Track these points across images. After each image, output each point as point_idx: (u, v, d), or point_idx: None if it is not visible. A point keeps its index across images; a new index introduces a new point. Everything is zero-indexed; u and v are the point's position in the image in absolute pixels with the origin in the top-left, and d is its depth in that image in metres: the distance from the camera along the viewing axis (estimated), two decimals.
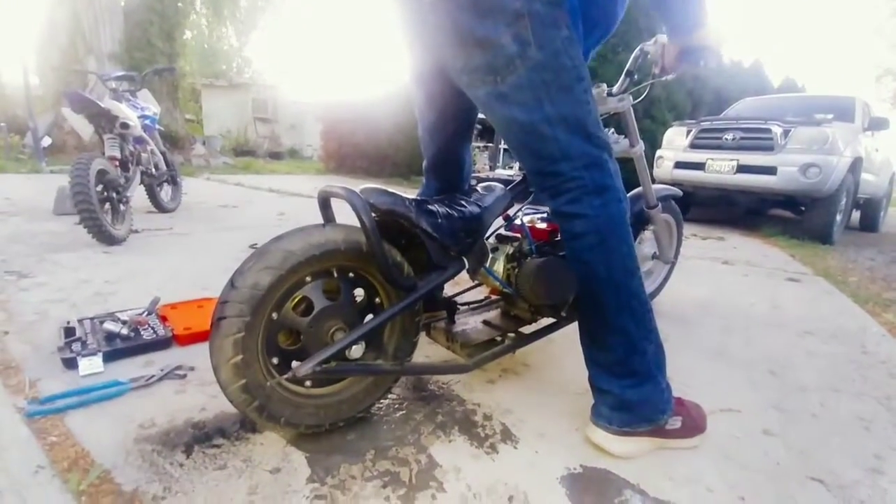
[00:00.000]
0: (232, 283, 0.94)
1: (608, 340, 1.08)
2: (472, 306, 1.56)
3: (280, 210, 4.66)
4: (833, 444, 1.19)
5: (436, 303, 1.44)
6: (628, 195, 1.85)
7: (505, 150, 8.28)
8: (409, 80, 1.33)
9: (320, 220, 1.06)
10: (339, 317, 1.05)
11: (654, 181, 1.84)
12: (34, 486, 0.89)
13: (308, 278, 1.02)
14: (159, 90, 9.17)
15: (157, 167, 3.79)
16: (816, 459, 1.13)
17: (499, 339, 1.35)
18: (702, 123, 5.14)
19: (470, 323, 1.44)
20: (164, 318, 1.63)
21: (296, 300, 1.03)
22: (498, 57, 0.95)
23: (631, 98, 1.54)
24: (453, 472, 1.01)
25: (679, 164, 5.10)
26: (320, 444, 1.07)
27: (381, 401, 1.20)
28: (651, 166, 5.28)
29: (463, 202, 1.19)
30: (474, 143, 8.56)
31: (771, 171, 4.40)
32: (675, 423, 1.11)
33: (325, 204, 1.09)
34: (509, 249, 1.35)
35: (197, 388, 1.27)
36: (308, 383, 1.05)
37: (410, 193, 1.17)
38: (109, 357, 1.37)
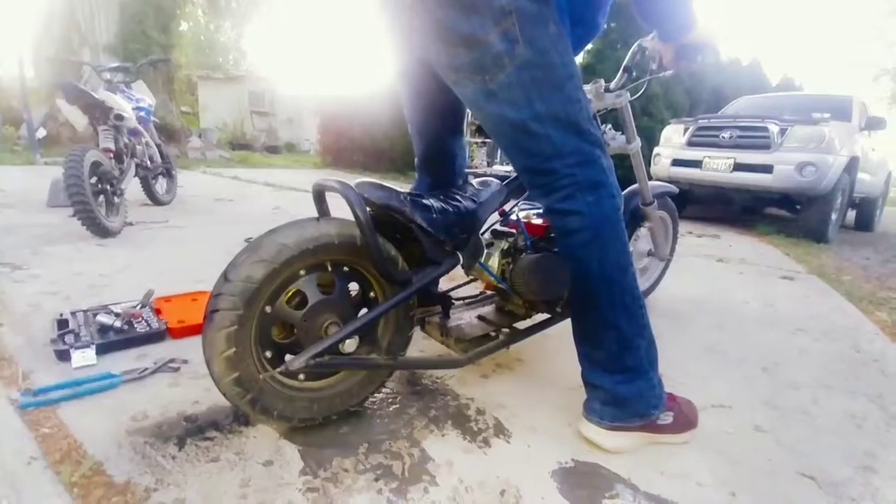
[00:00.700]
0: (225, 276, 0.94)
1: (601, 336, 1.08)
2: (466, 301, 1.56)
3: (276, 204, 4.65)
4: (825, 442, 1.20)
5: (430, 297, 1.44)
6: (624, 192, 1.86)
7: None
8: (394, 78, 1.31)
9: (315, 214, 1.05)
10: (334, 311, 1.05)
11: (651, 178, 1.84)
12: (27, 478, 0.89)
13: (302, 272, 1.02)
14: (155, 82, 9.13)
15: (151, 159, 3.77)
16: (808, 456, 1.13)
17: (493, 334, 1.36)
18: (699, 121, 5.14)
19: (464, 318, 1.44)
20: (157, 311, 1.63)
21: (290, 294, 1.03)
22: (485, 55, 0.93)
23: (628, 94, 1.54)
24: (446, 466, 1.01)
25: (676, 162, 5.10)
26: (313, 438, 1.07)
27: (375, 395, 1.20)
28: (648, 163, 5.28)
29: (458, 197, 1.19)
30: (472, 139, 8.55)
31: (767, 169, 4.41)
32: (667, 418, 1.12)
33: (319, 198, 1.09)
34: (504, 245, 1.35)
35: (190, 381, 1.27)
36: (301, 377, 1.05)
37: (406, 188, 1.16)
38: (103, 349, 1.37)
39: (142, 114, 3.61)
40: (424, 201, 1.09)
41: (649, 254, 2.06)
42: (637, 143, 1.68)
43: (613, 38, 7.28)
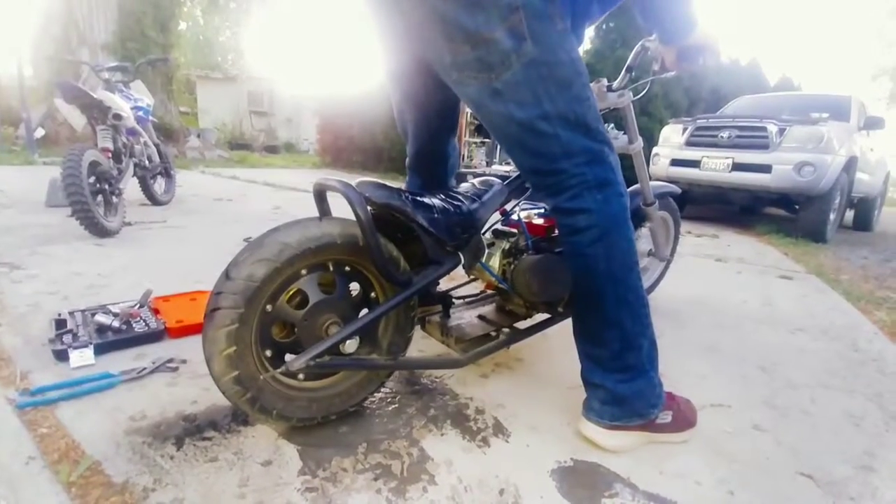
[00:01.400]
0: (227, 275, 0.93)
1: (604, 335, 1.07)
2: (467, 301, 1.56)
3: (275, 204, 4.65)
4: (823, 441, 1.20)
5: (431, 297, 1.44)
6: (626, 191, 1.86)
7: None
8: (386, 77, 1.30)
9: (315, 214, 1.05)
10: (334, 311, 1.04)
11: (650, 178, 1.84)
12: (25, 477, 0.88)
13: (304, 271, 1.01)
14: (153, 82, 9.11)
15: (150, 159, 3.77)
16: (806, 455, 1.13)
17: (493, 334, 1.36)
18: (698, 121, 5.15)
19: (465, 317, 1.44)
20: (156, 311, 1.62)
21: (290, 293, 1.02)
22: (491, 53, 0.91)
23: (631, 94, 1.54)
24: (445, 465, 1.01)
25: (675, 162, 5.11)
26: (312, 437, 1.06)
27: (374, 394, 1.20)
28: (647, 163, 5.28)
29: (460, 197, 1.18)
30: (471, 139, 8.55)
31: (766, 169, 4.42)
32: (666, 417, 1.12)
33: (320, 197, 1.09)
34: (505, 245, 1.35)
35: (189, 381, 1.27)
36: (300, 376, 1.05)
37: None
38: (101, 349, 1.36)
39: (140, 113, 3.61)
40: (426, 201, 1.09)
41: (649, 254, 2.06)
42: (639, 142, 1.68)
43: (613, 38, 7.29)
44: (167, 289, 1.85)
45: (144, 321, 1.53)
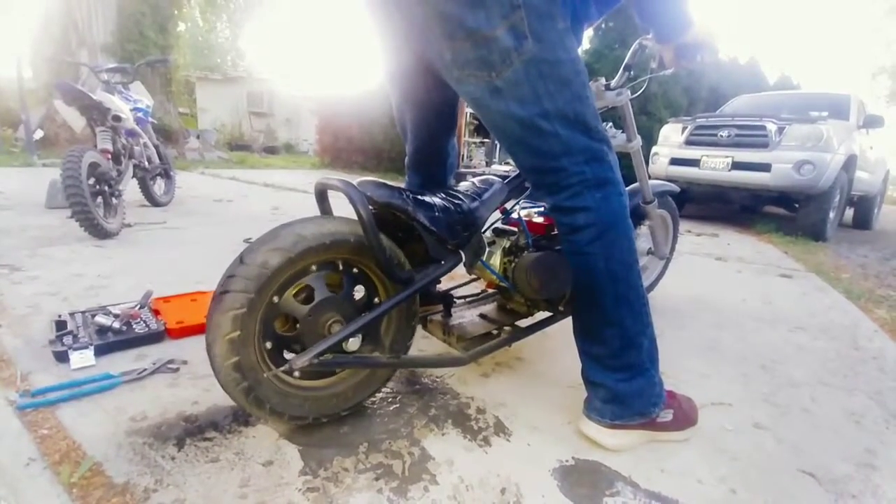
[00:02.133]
0: (241, 259, 0.94)
1: (604, 333, 1.07)
2: (468, 300, 1.56)
3: (274, 205, 4.65)
4: (824, 439, 1.20)
5: (431, 296, 1.44)
6: (625, 190, 1.86)
7: None
8: (385, 77, 1.30)
9: (315, 214, 1.05)
10: (337, 309, 1.05)
11: (649, 177, 1.84)
12: (25, 479, 0.88)
13: (313, 267, 1.02)
14: (152, 83, 9.11)
15: (149, 160, 3.76)
16: (808, 453, 1.13)
17: (495, 332, 1.36)
18: (697, 120, 5.15)
19: (466, 316, 1.44)
20: (156, 312, 1.62)
21: (297, 289, 1.03)
22: (492, 51, 0.92)
23: (629, 93, 1.54)
24: (446, 465, 1.01)
25: (674, 161, 5.11)
26: (313, 437, 1.06)
27: (375, 394, 1.20)
28: (647, 162, 5.29)
29: (460, 195, 1.19)
30: (470, 139, 8.55)
31: (765, 167, 4.42)
32: (667, 416, 1.12)
33: (321, 197, 1.09)
34: (506, 243, 1.35)
35: (189, 382, 1.26)
36: (296, 373, 1.05)
37: None
38: (101, 350, 1.36)
39: (140, 115, 3.60)
40: (427, 199, 1.09)
41: (649, 252, 2.06)
42: (638, 141, 1.68)
43: (612, 38, 7.29)
44: (167, 290, 1.85)
45: (145, 322, 1.53)
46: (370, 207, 0.98)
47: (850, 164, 4.59)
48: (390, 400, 1.25)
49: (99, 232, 2.64)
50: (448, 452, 1.05)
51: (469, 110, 6.21)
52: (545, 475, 1.00)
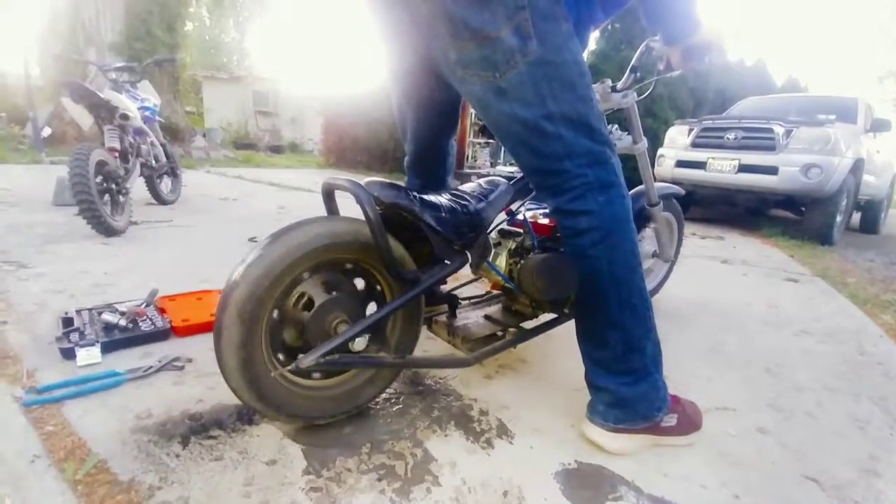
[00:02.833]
0: (249, 257, 0.95)
1: (608, 337, 1.07)
2: (473, 301, 1.56)
3: (280, 204, 4.66)
4: (828, 444, 1.20)
5: (436, 297, 1.44)
6: (630, 192, 1.85)
7: None
8: (387, 75, 1.30)
9: (321, 214, 1.06)
10: (344, 308, 1.05)
11: (655, 179, 1.83)
12: (31, 476, 0.89)
13: (321, 266, 1.04)
14: (160, 82, 9.13)
15: (156, 159, 3.79)
16: (811, 459, 1.13)
17: (500, 333, 1.36)
18: (704, 122, 5.13)
19: (471, 318, 1.44)
20: (162, 310, 1.63)
21: (304, 287, 1.04)
22: (497, 51, 0.91)
23: (635, 94, 1.54)
24: (448, 467, 1.01)
25: (680, 163, 5.09)
26: (316, 437, 1.07)
27: (379, 395, 1.21)
28: (652, 164, 5.27)
29: (466, 196, 1.19)
30: (475, 139, 8.55)
31: (772, 170, 4.39)
32: (671, 420, 1.11)
33: (329, 196, 1.09)
34: (512, 244, 1.35)
35: (194, 380, 1.27)
36: (303, 373, 1.05)
37: None
38: (107, 348, 1.37)
39: (147, 113, 3.62)
40: (433, 200, 1.10)
41: (654, 255, 2.05)
42: (643, 143, 1.68)
43: (618, 39, 7.27)
44: (173, 288, 1.86)
45: (151, 320, 1.54)
46: (377, 208, 0.99)
47: (857, 167, 4.56)
48: (393, 401, 1.25)
49: (106, 229, 2.66)
50: (450, 454, 1.05)
51: (473, 111, 6.21)
52: (548, 478, 1.00)
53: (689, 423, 1.15)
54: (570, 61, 0.96)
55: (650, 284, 2.17)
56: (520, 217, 1.40)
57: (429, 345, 1.55)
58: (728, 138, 4.75)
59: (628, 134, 1.66)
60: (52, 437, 1.00)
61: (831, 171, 4.18)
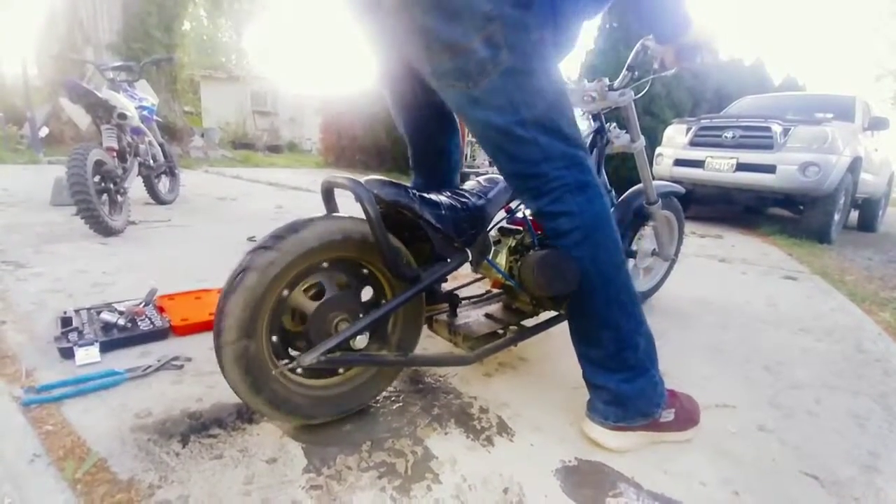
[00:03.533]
0: (248, 257, 0.94)
1: (600, 336, 1.08)
2: (473, 300, 1.56)
3: (279, 203, 4.65)
4: (828, 441, 1.20)
5: (437, 296, 1.44)
6: (628, 191, 1.85)
7: None
8: (378, 80, 1.30)
9: (320, 213, 1.06)
10: (345, 307, 1.05)
11: (654, 178, 1.83)
12: (30, 475, 0.89)
13: (321, 265, 1.04)
14: (157, 81, 9.13)
15: (154, 158, 3.78)
16: (811, 456, 1.13)
17: (501, 331, 1.36)
18: (702, 121, 5.13)
19: (472, 316, 1.44)
20: (161, 309, 1.63)
21: (305, 286, 1.04)
22: (469, 62, 0.93)
23: (632, 93, 1.54)
24: (449, 464, 1.01)
25: (678, 162, 5.09)
26: (316, 435, 1.07)
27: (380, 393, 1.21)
28: (651, 163, 5.27)
29: (466, 194, 1.19)
30: (472, 139, 8.52)
31: (770, 169, 4.40)
32: (669, 415, 1.11)
33: (328, 195, 1.09)
34: (511, 242, 1.35)
35: (194, 379, 1.27)
36: (303, 371, 1.05)
37: None
38: (106, 347, 1.37)
39: (145, 113, 3.62)
40: (433, 198, 1.10)
41: (653, 253, 2.05)
42: (641, 141, 1.68)
43: (617, 38, 7.28)
44: (172, 287, 1.85)
45: (149, 319, 1.53)
46: (377, 206, 0.99)
47: (855, 166, 4.57)
48: (393, 399, 1.25)
49: (104, 229, 2.65)
50: (451, 452, 1.05)
51: None
52: (548, 475, 1.00)
53: (688, 418, 1.15)
54: (541, 69, 0.97)
55: (650, 283, 2.17)
56: (519, 215, 1.40)
57: (428, 343, 1.55)
58: (726, 137, 4.75)
59: (626, 132, 1.66)
60: (51, 436, 0.99)
61: (829, 169, 4.19)
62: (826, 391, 1.47)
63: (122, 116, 3.16)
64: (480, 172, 6.60)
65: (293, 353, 1.04)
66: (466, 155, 8.38)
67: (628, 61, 1.48)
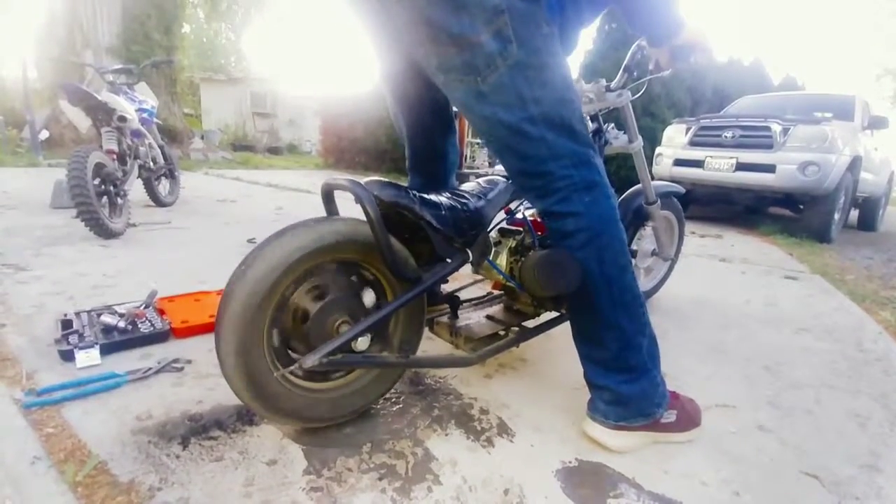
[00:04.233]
0: (249, 260, 0.95)
1: (603, 336, 1.07)
2: (474, 302, 1.56)
3: (279, 205, 4.66)
4: (828, 441, 1.20)
5: (438, 298, 1.44)
6: (628, 191, 1.85)
7: None
8: (378, 78, 1.30)
9: (319, 215, 1.06)
10: (346, 309, 1.05)
11: (653, 178, 1.83)
12: (31, 477, 0.89)
13: (321, 267, 1.04)
14: (157, 84, 9.13)
15: (154, 161, 3.78)
16: (811, 455, 1.13)
17: (502, 333, 1.36)
18: (701, 121, 5.13)
19: (473, 318, 1.44)
20: (161, 312, 1.63)
21: (306, 289, 1.04)
22: (477, 56, 0.91)
23: (629, 94, 1.54)
24: (449, 465, 1.01)
25: (678, 162, 5.09)
26: (316, 437, 1.07)
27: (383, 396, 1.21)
28: (650, 164, 5.27)
29: (466, 195, 1.19)
30: (473, 140, 8.55)
31: (770, 168, 4.40)
32: (670, 416, 1.11)
33: (328, 197, 1.09)
34: (512, 243, 1.35)
35: (194, 381, 1.27)
36: (303, 374, 1.05)
37: None
38: (106, 350, 1.37)
39: (144, 115, 3.62)
40: (433, 198, 1.10)
41: (653, 253, 2.05)
42: (639, 142, 1.68)
43: (616, 38, 7.29)
44: (172, 289, 1.85)
45: (150, 321, 1.53)
46: (378, 207, 0.99)
47: (854, 165, 4.57)
48: (393, 400, 1.25)
49: (104, 232, 2.66)
50: (451, 453, 1.05)
51: None
52: (548, 476, 1.00)
53: (689, 419, 1.15)
54: (551, 64, 0.96)
55: (651, 283, 2.17)
56: (519, 216, 1.40)
57: (428, 345, 1.55)
58: (725, 137, 4.76)
59: (624, 133, 1.66)
60: (51, 438, 0.99)
61: (829, 168, 4.19)
62: (826, 391, 1.47)
63: (122, 119, 3.16)
64: (480, 173, 6.61)
65: (294, 355, 1.04)
66: (466, 156, 8.39)
67: (625, 62, 1.49)
